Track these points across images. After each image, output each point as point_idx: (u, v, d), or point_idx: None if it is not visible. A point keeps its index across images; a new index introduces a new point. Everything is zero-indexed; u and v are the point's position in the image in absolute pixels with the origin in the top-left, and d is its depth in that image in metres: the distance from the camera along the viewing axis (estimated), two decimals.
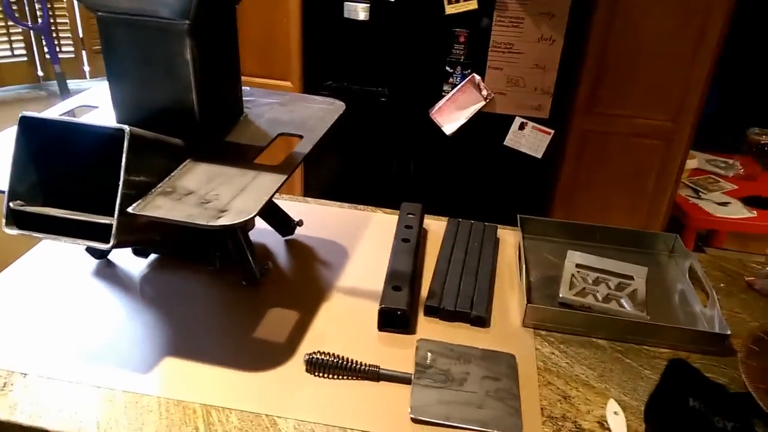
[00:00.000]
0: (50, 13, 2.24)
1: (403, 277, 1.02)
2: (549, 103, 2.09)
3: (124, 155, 0.76)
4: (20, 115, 0.78)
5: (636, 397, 0.86)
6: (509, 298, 1.06)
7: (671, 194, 2.24)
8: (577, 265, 1.12)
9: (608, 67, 2.09)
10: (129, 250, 1.09)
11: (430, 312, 1.00)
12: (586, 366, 0.91)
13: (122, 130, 0.76)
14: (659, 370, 0.90)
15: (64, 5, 2.27)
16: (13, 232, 0.78)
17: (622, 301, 1.04)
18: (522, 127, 2.14)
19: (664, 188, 2.23)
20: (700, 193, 2.50)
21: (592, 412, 0.83)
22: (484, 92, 2.12)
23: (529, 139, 2.15)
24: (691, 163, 2.55)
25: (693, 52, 2.03)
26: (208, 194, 0.84)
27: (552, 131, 2.11)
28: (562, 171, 2.25)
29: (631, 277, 1.10)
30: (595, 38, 2.06)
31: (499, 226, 1.27)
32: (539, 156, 2.14)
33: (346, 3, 2.10)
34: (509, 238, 1.25)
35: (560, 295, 1.04)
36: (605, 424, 0.81)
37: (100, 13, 0.89)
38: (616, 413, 0.82)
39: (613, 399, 0.85)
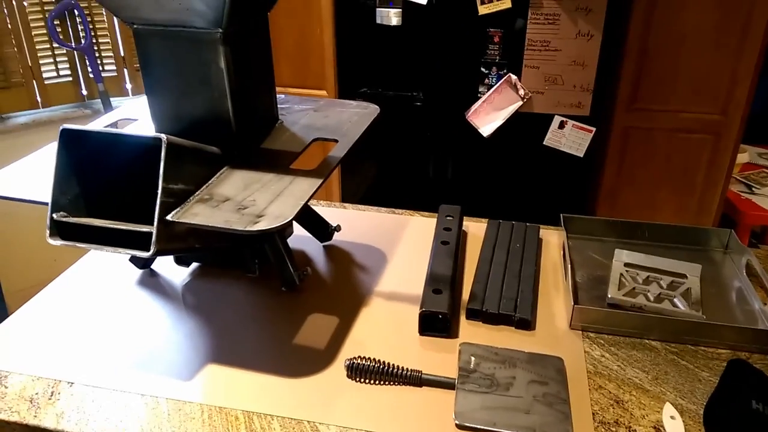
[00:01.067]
0: (92, 33, 2.31)
1: (443, 280, 1.00)
2: (589, 100, 2.04)
3: (161, 164, 0.76)
4: (61, 128, 0.80)
5: (694, 400, 0.81)
6: (554, 299, 1.03)
7: (722, 190, 2.14)
8: (626, 264, 1.08)
9: (650, 61, 2.03)
10: (171, 259, 1.11)
11: (473, 315, 0.97)
12: (639, 369, 0.87)
13: (160, 139, 0.77)
14: (718, 372, 0.85)
15: (106, 25, 2.34)
16: (57, 242, 0.79)
17: (676, 300, 0.99)
18: (562, 125, 2.09)
19: (714, 184, 2.14)
20: (753, 188, 2.40)
21: (648, 417, 0.79)
22: (521, 92, 2.08)
23: (569, 138, 2.10)
24: (742, 158, 2.44)
25: (739, 42, 1.95)
26: (245, 200, 0.84)
27: (593, 129, 2.05)
28: (605, 170, 2.19)
29: (683, 276, 1.05)
30: (634, 32, 2.00)
31: (541, 226, 1.23)
32: (581, 155, 2.09)
33: (378, 9, 2.10)
34: (552, 238, 1.22)
35: (609, 296, 1.00)
36: (662, 429, 0.77)
37: (135, 26, 0.90)
38: (673, 417, 0.78)
39: (670, 403, 0.81)
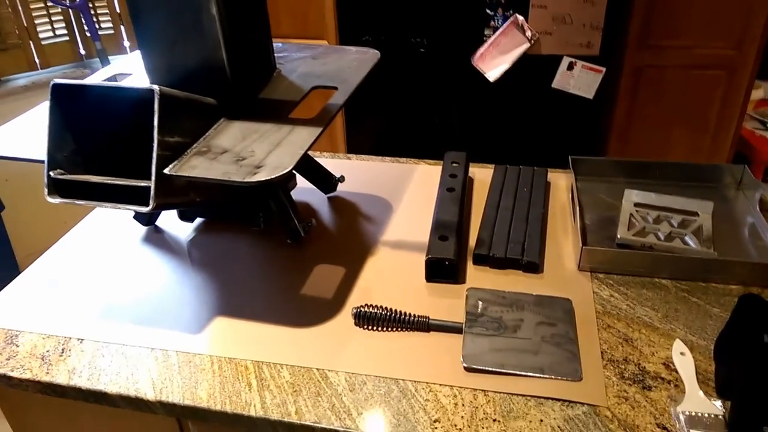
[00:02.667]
0: None
1: (449, 227, 0.99)
2: (599, 39, 1.97)
3: (155, 116, 0.75)
4: (51, 83, 0.78)
5: (704, 336, 0.81)
6: (563, 242, 1.01)
7: (736, 128, 2.09)
8: (636, 204, 1.06)
9: None
10: (175, 215, 1.10)
11: (480, 260, 0.97)
12: (648, 307, 0.86)
13: (152, 91, 0.75)
14: (729, 308, 0.84)
15: None
16: (56, 200, 0.78)
17: (686, 238, 0.97)
18: (571, 67, 2.03)
19: (728, 122, 2.09)
20: (767, 125, 2.34)
21: (657, 354, 0.78)
22: (529, 33, 2.02)
23: (579, 80, 2.04)
24: (757, 94, 2.37)
25: None
26: (243, 151, 0.83)
27: (603, 69, 1.99)
28: (616, 111, 2.13)
29: (695, 213, 1.02)
30: None
31: (549, 169, 1.21)
32: (591, 96, 2.03)
33: None
34: (561, 181, 1.19)
35: (618, 236, 0.98)
36: (671, 365, 0.76)
37: None
38: (682, 354, 0.77)
39: (680, 339, 0.80)
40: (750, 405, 0.68)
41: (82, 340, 0.85)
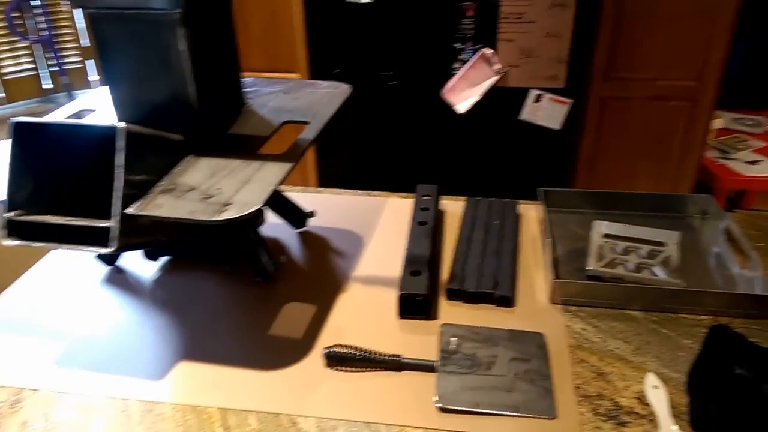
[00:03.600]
0: (52, 24, 2.23)
1: (421, 262, 0.98)
2: (565, 71, 2.02)
3: (120, 153, 0.73)
4: (12, 122, 0.76)
5: (676, 368, 0.81)
6: (535, 275, 1.01)
7: (698, 157, 2.15)
8: (605, 235, 1.07)
9: (624, 28, 2.01)
10: (139, 254, 1.07)
11: (453, 295, 0.96)
12: (620, 340, 0.86)
13: (115, 128, 0.73)
14: (699, 339, 0.85)
15: (66, 16, 2.26)
16: (13, 243, 0.76)
17: (655, 269, 0.98)
18: (538, 99, 2.07)
19: (690, 151, 2.15)
20: (727, 154, 2.40)
21: (630, 388, 0.78)
22: (497, 66, 2.05)
23: (546, 111, 2.08)
24: (717, 123, 2.44)
25: (713, 6, 1.94)
26: (211, 189, 0.81)
27: (570, 101, 2.04)
28: (583, 141, 2.18)
29: (662, 244, 1.04)
30: (608, 1, 1.98)
31: (520, 201, 1.21)
32: (558, 127, 2.07)
33: None
34: (531, 213, 1.20)
35: (588, 268, 0.98)
36: (644, 399, 0.76)
37: (90, 11, 0.86)
38: (656, 387, 0.77)
39: (652, 373, 0.80)
40: None
41: (35, 390, 0.81)
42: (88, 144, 0.81)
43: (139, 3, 0.83)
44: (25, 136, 0.78)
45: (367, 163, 2.33)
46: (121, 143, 0.73)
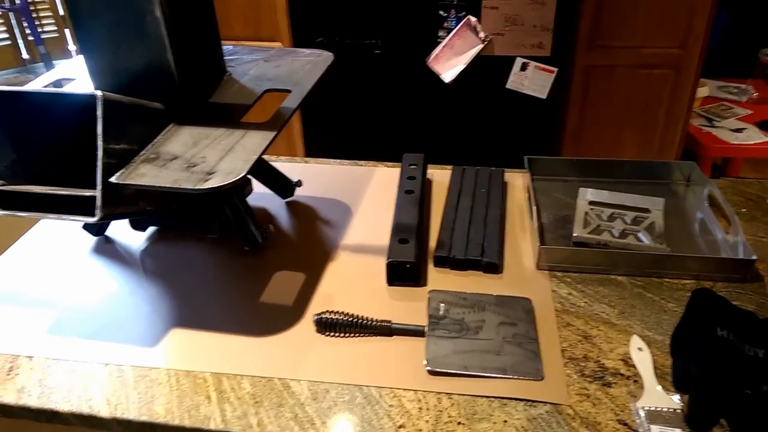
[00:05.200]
0: None
1: (409, 230, 0.98)
2: (550, 40, 2.01)
3: (100, 122, 0.72)
4: None
5: (660, 331, 0.82)
6: (521, 242, 1.02)
7: (683, 125, 2.16)
8: (590, 203, 1.07)
9: None
10: (127, 224, 1.06)
11: (440, 262, 0.96)
12: (605, 304, 0.88)
13: (95, 96, 0.71)
14: (683, 303, 0.86)
15: None
16: None
17: (640, 235, 0.99)
18: (524, 67, 2.06)
19: (675, 119, 2.16)
20: (713, 122, 2.42)
21: (616, 350, 0.79)
22: (482, 34, 2.04)
23: (532, 80, 2.07)
24: (702, 91, 2.45)
25: None
26: (194, 158, 0.80)
27: (555, 69, 2.03)
28: (568, 110, 2.18)
29: (647, 210, 1.05)
30: None
31: (506, 170, 1.22)
32: (544, 96, 2.07)
33: None
34: (518, 181, 1.20)
35: (574, 234, 0.99)
36: (629, 360, 0.78)
37: None
38: (640, 349, 0.79)
39: (637, 335, 0.81)
40: (706, 398, 0.69)
41: (31, 357, 0.81)
42: (68, 113, 0.79)
43: None
44: (2, 106, 0.76)
45: (354, 133, 2.31)
46: (100, 111, 0.72)
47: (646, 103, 2.14)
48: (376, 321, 0.83)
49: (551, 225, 1.05)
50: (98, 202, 0.72)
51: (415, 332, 0.83)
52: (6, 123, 0.77)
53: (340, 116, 2.27)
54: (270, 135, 0.85)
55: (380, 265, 0.97)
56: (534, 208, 1.03)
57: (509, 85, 2.09)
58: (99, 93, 0.71)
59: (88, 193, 0.73)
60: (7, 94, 0.75)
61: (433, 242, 1.02)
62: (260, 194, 1.17)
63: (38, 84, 1.02)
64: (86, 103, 0.73)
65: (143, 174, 0.76)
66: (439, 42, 2.08)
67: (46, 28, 2.25)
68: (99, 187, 0.72)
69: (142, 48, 0.86)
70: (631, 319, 0.85)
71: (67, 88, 0.99)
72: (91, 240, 1.06)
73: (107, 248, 1.04)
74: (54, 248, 1.04)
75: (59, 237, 1.06)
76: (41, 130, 0.80)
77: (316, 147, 2.35)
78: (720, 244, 0.99)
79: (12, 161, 0.78)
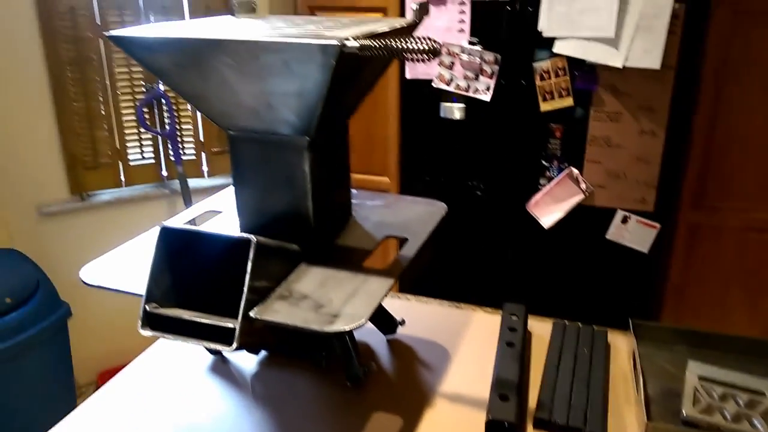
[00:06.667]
0: (177, 120, 2.50)
1: (509, 386, 0.99)
2: (653, 196, 2.03)
3: (249, 263, 0.82)
4: (161, 226, 0.86)
5: None
6: (626, 412, 1.00)
7: None
8: (700, 378, 1.04)
9: (715, 158, 2.02)
10: None
11: (540, 425, 0.96)
12: None
13: (249, 240, 0.82)
14: None
15: (188, 113, 2.52)
16: (147, 333, 0.84)
17: (755, 421, 0.94)
18: (625, 220, 2.08)
19: None
20: None
21: None
22: (583, 185, 2.10)
23: (633, 233, 2.08)
24: None
25: None
26: (322, 298, 0.88)
27: (658, 225, 2.03)
28: (671, 267, 2.14)
29: (762, 394, 1.00)
30: (699, 130, 2.01)
31: (609, 330, 1.21)
32: (645, 251, 2.06)
33: (442, 104, 2.20)
34: (621, 344, 1.19)
35: (684, 413, 0.96)
36: None
37: (231, 132, 0.99)
38: None
39: None
40: None
41: None
42: (219, 248, 0.90)
43: (275, 129, 0.95)
44: (168, 239, 0.88)
45: (450, 269, 2.37)
46: (251, 254, 0.82)
47: (756, 267, 2.07)
48: None
49: (658, 397, 1.03)
50: (237, 333, 0.80)
51: None
52: (170, 253, 0.89)
53: (440, 253, 2.35)
54: (389, 282, 0.92)
55: (478, 418, 0.97)
56: (640, 377, 1.01)
57: (609, 236, 2.10)
58: (253, 239, 0.82)
59: (228, 324, 0.82)
60: (175, 231, 0.88)
61: (532, 400, 1.02)
62: (364, 328, 1.22)
63: (190, 214, 1.17)
64: (238, 242, 0.84)
65: (277, 311, 0.84)
66: (540, 189, 2.16)
67: (186, 151, 2.55)
68: (239, 319, 0.80)
69: (287, 194, 0.99)
70: None
71: (216, 221, 1.13)
72: (209, 358, 1.14)
73: (223, 368, 1.12)
74: (175, 363, 1.13)
75: (180, 352, 1.16)
76: (193, 260, 0.92)
77: (414, 280, 2.42)
78: None
79: (167, 287, 0.89)
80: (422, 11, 1.03)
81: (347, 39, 0.78)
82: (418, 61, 0.72)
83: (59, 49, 2.24)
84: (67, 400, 2.11)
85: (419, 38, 0.74)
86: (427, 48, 0.72)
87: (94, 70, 2.32)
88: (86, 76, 2.31)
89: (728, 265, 2.08)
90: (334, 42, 0.77)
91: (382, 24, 0.99)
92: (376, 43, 0.76)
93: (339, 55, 0.78)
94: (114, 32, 0.89)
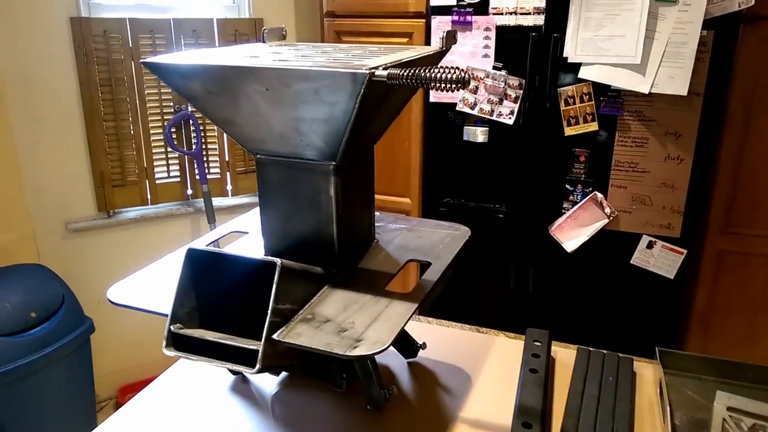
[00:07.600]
0: (204, 140, 2.54)
1: (533, 413, 0.98)
2: (680, 222, 2.01)
3: (274, 286, 0.82)
4: (188, 248, 0.88)
5: None
6: None
7: None
8: (729, 408, 1.02)
9: (743, 185, 1.99)
10: None
11: None
12: None
13: (274, 263, 0.83)
14: None
15: (214, 134, 2.57)
16: (171, 353, 0.85)
17: None
18: (650, 245, 2.06)
19: None
20: None
21: None
22: (607, 210, 2.08)
23: (659, 259, 2.05)
24: None
25: None
26: (345, 322, 0.88)
27: (684, 251, 2.00)
28: (697, 293, 2.10)
29: None
30: (726, 157, 1.99)
31: (634, 358, 1.19)
32: (671, 277, 2.03)
33: (465, 127, 2.21)
34: (647, 372, 1.17)
35: None
36: None
37: (258, 156, 1.00)
38: None
39: None
40: None
41: None
42: (245, 270, 0.91)
43: (301, 154, 0.96)
44: (194, 261, 0.90)
45: (471, 291, 2.36)
46: (276, 277, 0.83)
47: None
48: None
49: (685, 428, 1.00)
50: (260, 355, 0.81)
51: None
52: (196, 274, 0.90)
53: (460, 273, 2.34)
54: (412, 307, 0.92)
55: None
56: (667, 407, 0.99)
57: (634, 261, 2.08)
58: (278, 261, 0.83)
59: (252, 346, 0.83)
60: (202, 253, 0.89)
61: (556, 429, 1.00)
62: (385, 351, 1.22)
63: (215, 234, 1.18)
64: (263, 265, 0.85)
65: (300, 334, 0.84)
66: (564, 212, 2.15)
67: (211, 170, 2.59)
68: (263, 341, 0.81)
69: (312, 218, 1.00)
70: None
71: (242, 242, 1.14)
72: (230, 378, 1.15)
73: (243, 388, 1.12)
74: (196, 382, 1.14)
75: (202, 371, 1.17)
76: (218, 281, 0.93)
77: (435, 304, 2.41)
78: None
79: (192, 307, 0.90)
80: (450, 39, 1.05)
81: (376, 68, 0.79)
82: (445, 90, 0.73)
83: (92, 71, 2.31)
84: (88, 413, 2.14)
85: (447, 68, 0.75)
86: (455, 78, 0.73)
87: (124, 91, 2.38)
88: (117, 97, 2.38)
89: (756, 292, 2.04)
90: (364, 71, 0.79)
91: (410, 52, 1.00)
92: (404, 72, 0.77)
93: (368, 84, 0.79)
94: (149, 59, 0.91)
